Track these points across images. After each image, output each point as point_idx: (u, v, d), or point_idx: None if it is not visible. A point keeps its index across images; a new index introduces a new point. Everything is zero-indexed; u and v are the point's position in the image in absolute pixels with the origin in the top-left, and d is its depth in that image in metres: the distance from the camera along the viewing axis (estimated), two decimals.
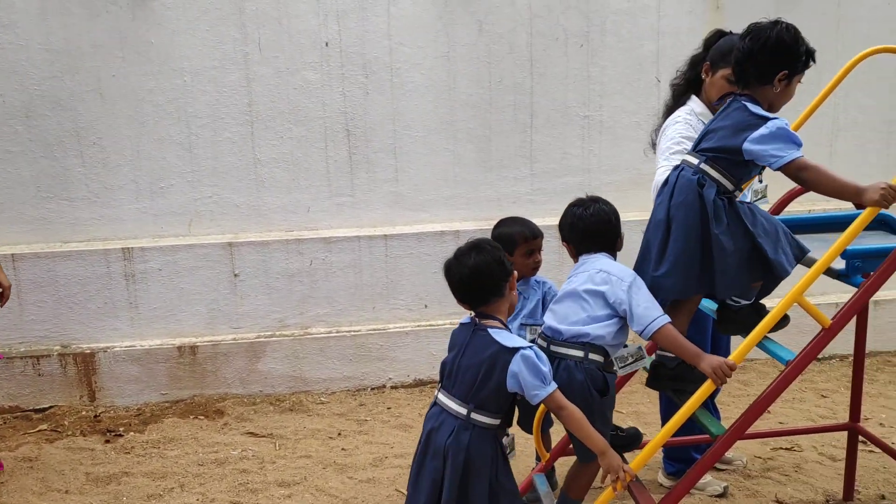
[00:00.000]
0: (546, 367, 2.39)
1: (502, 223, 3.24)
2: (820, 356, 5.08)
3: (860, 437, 3.41)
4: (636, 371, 3.17)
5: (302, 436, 4.26)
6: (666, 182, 2.65)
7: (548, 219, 5.00)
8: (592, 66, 5.01)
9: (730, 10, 5.03)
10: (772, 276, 2.53)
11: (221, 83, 4.69)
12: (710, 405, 3.62)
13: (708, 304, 2.91)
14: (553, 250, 4.88)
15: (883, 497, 3.47)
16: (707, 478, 3.54)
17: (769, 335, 2.53)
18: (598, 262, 2.62)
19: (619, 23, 4.98)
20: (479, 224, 4.88)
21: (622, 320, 2.53)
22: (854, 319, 3.29)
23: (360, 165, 4.89)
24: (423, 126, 4.91)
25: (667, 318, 2.46)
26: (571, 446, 3.12)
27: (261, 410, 4.61)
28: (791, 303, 2.38)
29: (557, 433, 3.44)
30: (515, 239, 3.14)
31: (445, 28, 4.83)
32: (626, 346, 2.67)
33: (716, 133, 2.54)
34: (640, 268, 2.68)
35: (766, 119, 2.44)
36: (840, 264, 2.48)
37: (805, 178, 2.41)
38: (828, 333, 2.40)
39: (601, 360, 2.54)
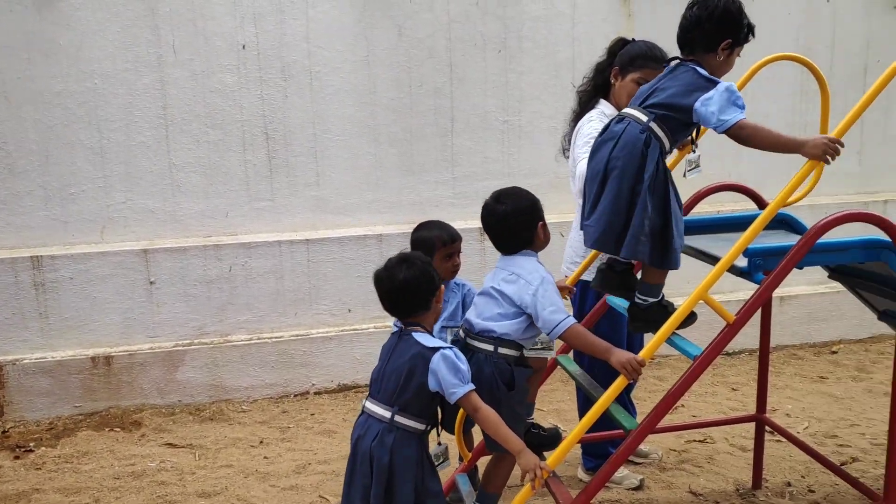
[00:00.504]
0: (465, 367, 2.44)
1: (421, 227, 3.26)
2: (730, 351, 5.38)
3: (767, 428, 3.57)
4: (555, 369, 3.28)
5: (223, 445, 4.18)
6: (606, 130, 2.67)
7: (470, 222, 5.09)
8: (510, 72, 5.10)
9: (640, 19, 5.20)
10: (661, 264, 2.58)
11: (134, 86, 4.58)
12: (626, 400, 3.73)
13: (621, 303, 3.00)
14: (475, 252, 4.96)
15: (789, 484, 3.64)
16: (623, 471, 3.65)
17: (678, 332, 2.62)
18: (512, 262, 2.67)
19: (536, 29, 5.08)
20: (402, 228, 4.90)
21: (521, 314, 2.59)
22: (759, 315, 3.48)
23: (279, 169, 4.85)
24: (345, 130, 4.90)
25: (572, 320, 2.52)
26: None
27: (180, 421, 4.50)
28: (697, 300, 2.48)
29: (480, 433, 3.48)
30: (434, 243, 3.17)
31: (364, 32, 4.83)
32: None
33: (664, 91, 2.58)
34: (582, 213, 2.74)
35: (716, 82, 2.52)
36: (743, 262, 2.59)
37: (744, 136, 2.48)
38: (732, 329, 2.50)
39: (512, 355, 2.59)
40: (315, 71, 4.81)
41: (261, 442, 4.22)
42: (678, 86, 2.55)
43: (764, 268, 2.56)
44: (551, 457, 2.50)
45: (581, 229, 2.77)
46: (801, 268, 2.62)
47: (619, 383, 2.49)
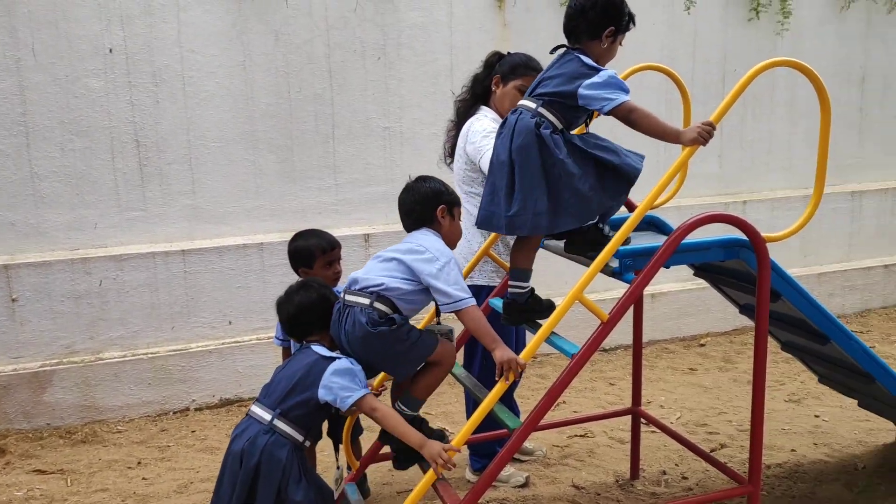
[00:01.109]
0: (360, 374, 2.53)
1: (298, 237, 3.21)
2: (606, 347, 5.60)
3: (643, 420, 3.74)
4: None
5: (97, 468, 3.98)
6: (504, 123, 2.78)
7: (354, 228, 5.08)
8: (391, 79, 5.11)
9: (515, 28, 5.33)
10: (626, 182, 2.68)
11: None
12: (510, 399, 3.81)
13: (497, 303, 3.07)
14: (360, 259, 4.93)
15: (664, 472, 3.82)
16: (510, 470, 3.73)
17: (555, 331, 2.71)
18: (418, 236, 2.70)
19: (414, 37, 5.12)
20: (284, 236, 4.81)
21: (423, 289, 2.62)
22: (631, 313, 3.64)
23: (152, 178, 4.66)
24: (221, 136, 4.77)
25: (473, 301, 2.58)
26: (382, 452, 3.18)
27: (49, 445, 4.24)
28: (573, 300, 2.57)
29: (368, 440, 3.47)
30: (313, 252, 3.13)
31: (240, 36, 4.73)
32: (439, 323, 2.82)
33: (552, 80, 2.70)
34: (488, 209, 2.77)
35: (598, 70, 2.64)
36: (615, 263, 2.70)
37: (633, 119, 2.61)
38: (606, 326, 2.61)
39: (386, 311, 2.57)
40: (188, 76, 4.65)
41: (138, 463, 4.04)
42: (564, 74, 2.67)
43: (634, 268, 2.68)
44: (455, 440, 2.54)
45: (495, 222, 2.78)
46: (667, 267, 2.76)
47: (501, 385, 2.55)
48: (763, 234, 2.74)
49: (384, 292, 2.59)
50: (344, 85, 5.00)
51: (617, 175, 2.68)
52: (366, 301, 2.58)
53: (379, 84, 5.09)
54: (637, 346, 3.64)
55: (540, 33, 5.34)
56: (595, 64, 2.68)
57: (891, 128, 6.52)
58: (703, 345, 5.77)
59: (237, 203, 4.86)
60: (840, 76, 6.27)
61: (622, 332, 5.61)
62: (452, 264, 2.62)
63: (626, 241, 2.74)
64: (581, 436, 4.30)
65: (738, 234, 2.77)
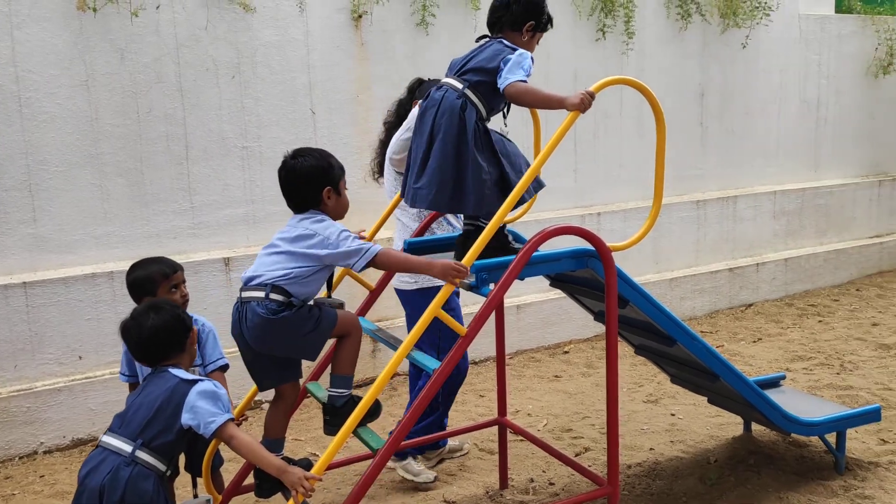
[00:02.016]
0: (224, 399, 2.47)
1: (136, 267, 3.04)
2: (476, 360, 5.68)
3: (510, 430, 3.81)
4: (307, 397, 3.24)
5: None
6: (428, 97, 2.91)
7: (213, 252, 4.91)
8: (247, 98, 5.00)
9: (372, 47, 5.34)
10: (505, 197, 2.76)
11: None
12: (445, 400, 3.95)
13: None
14: (219, 284, 4.77)
15: (532, 480, 3.90)
16: (420, 466, 3.94)
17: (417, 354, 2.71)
18: (305, 220, 2.69)
19: (270, 55, 5.04)
20: None
21: (320, 269, 2.64)
22: (494, 325, 3.71)
23: None
24: (64, 160, 4.50)
25: (379, 247, 2.64)
26: (245, 483, 3.07)
27: None
28: (432, 315, 2.58)
29: (230, 472, 3.35)
30: (155, 279, 2.98)
31: (82, 55, 4.48)
32: (329, 296, 2.83)
33: (475, 58, 2.86)
34: (405, 180, 2.96)
35: (515, 49, 2.83)
36: (471, 278, 2.74)
37: (518, 94, 2.75)
38: (465, 341, 2.64)
39: (282, 300, 2.58)
40: (25, 97, 4.37)
41: None
42: (487, 52, 2.84)
43: (489, 281, 2.74)
44: (315, 468, 2.51)
45: (405, 193, 2.96)
46: (522, 279, 2.83)
47: (361, 408, 2.53)
48: (608, 244, 2.87)
49: (278, 282, 2.59)
50: (197, 104, 4.84)
51: (506, 189, 2.80)
52: (261, 294, 2.58)
53: (235, 103, 4.97)
54: (500, 357, 3.71)
55: (396, 52, 5.39)
56: (513, 45, 2.87)
57: (729, 140, 7.00)
58: (567, 352, 5.96)
59: (84, 230, 4.59)
60: (681, 92, 6.68)
61: (491, 344, 5.71)
62: (339, 228, 2.64)
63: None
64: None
65: (587, 244, 2.89)
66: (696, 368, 3.57)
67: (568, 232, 2.79)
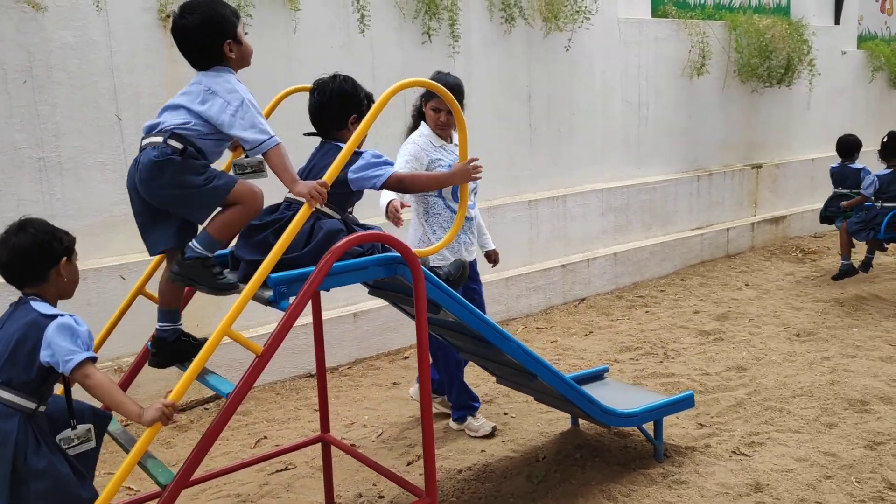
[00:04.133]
0: (85, 335, 2.34)
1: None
2: (313, 372, 5.49)
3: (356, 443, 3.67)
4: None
5: None
6: (276, 209, 2.85)
7: None
8: (42, 104, 4.58)
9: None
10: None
11: None
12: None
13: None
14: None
15: (360, 495, 3.79)
16: (481, 420, 4.41)
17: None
18: (206, 78, 2.61)
19: (67, 58, 4.64)
20: None
21: (220, 133, 2.60)
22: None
23: None
24: None
25: (276, 141, 2.59)
26: None
27: None
28: (221, 336, 2.41)
29: None
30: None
31: None
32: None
33: (319, 173, 2.80)
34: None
35: (360, 153, 2.85)
36: (269, 292, 2.59)
37: (410, 184, 2.97)
38: (261, 360, 2.48)
39: (180, 147, 2.52)
40: None
41: None
42: (329, 164, 2.71)
43: (289, 295, 2.59)
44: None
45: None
46: (327, 290, 2.71)
47: (149, 434, 2.32)
48: (414, 250, 2.80)
49: (178, 129, 2.52)
50: None
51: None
52: (159, 139, 2.50)
53: (27, 110, 4.54)
54: (320, 372, 3.57)
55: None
56: (356, 150, 2.85)
57: (557, 141, 7.19)
58: (406, 357, 5.89)
59: None
60: (510, 94, 6.79)
61: (330, 355, 5.55)
62: (247, 105, 2.56)
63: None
64: (281, 470, 4.14)
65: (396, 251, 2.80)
66: (516, 368, 3.58)
67: (370, 239, 2.70)
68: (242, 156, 2.73)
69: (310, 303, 3.06)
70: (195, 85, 2.63)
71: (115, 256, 4.83)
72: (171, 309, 2.72)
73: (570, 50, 7.07)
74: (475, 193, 4.36)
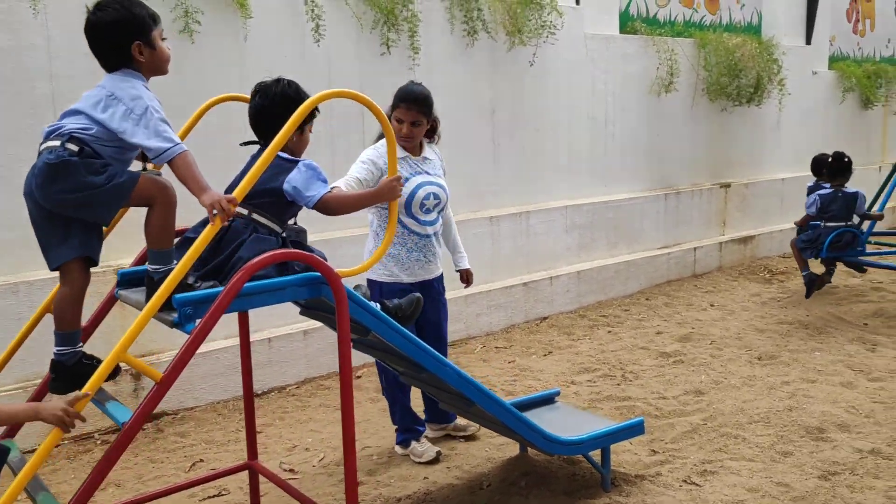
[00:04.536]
0: None
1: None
2: (258, 391, 5.31)
3: (283, 466, 3.50)
4: None
5: None
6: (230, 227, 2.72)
7: None
8: None
9: None
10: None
11: None
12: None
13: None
14: None
15: None
16: (425, 445, 4.26)
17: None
18: (111, 83, 2.52)
19: (2, 62, 4.46)
20: None
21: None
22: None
23: None
24: None
25: (182, 148, 2.47)
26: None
27: None
28: (115, 361, 2.24)
29: None
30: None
31: None
32: (144, 169, 2.57)
33: (259, 182, 2.65)
34: None
35: (297, 162, 2.77)
36: (174, 314, 2.42)
37: (336, 208, 2.80)
38: (161, 388, 2.31)
39: (77, 150, 2.41)
40: None
41: None
42: (266, 171, 2.61)
43: (196, 317, 2.43)
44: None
45: None
46: (241, 311, 2.55)
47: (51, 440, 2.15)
48: (338, 270, 2.64)
49: (77, 133, 2.40)
50: None
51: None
52: (56, 143, 2.42)
53: None
54: (247, 395, 3.39)
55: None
56: (292, 157, 2.83)
57: (521, 157, 7.07)
58: (359, 377, 5.71)
59: None
60: (473, 109, 6.66)
61: (274, 373, 5.37)
62: (151, 112, 2.45)
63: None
64: (215, 496, 3.95)
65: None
66: (454, 394, 3.42)
67: (288, 258, 2.54)
68: (142, 168, 2.64)
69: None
70: (99, 88, 2.52)
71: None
72: (70, 332, 2.54)
73: (535, 65, 6.96)
74: (439, 210, 4.19)
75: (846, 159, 6.77)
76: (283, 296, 2.64)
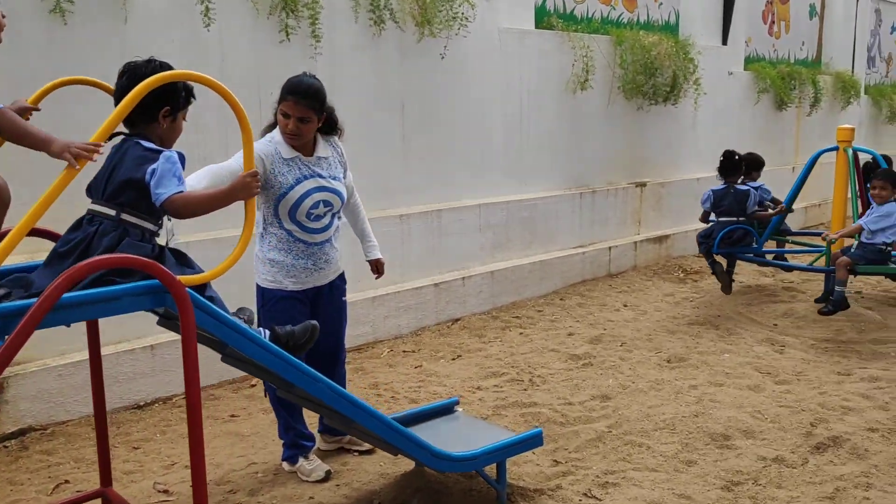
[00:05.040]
0: None
1: None
2: (141, 403, 4.92)
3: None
4: None
5: None
6: (78, 225, 2.58)
7: None
8: None
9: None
10: None
11: None
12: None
13: None
14: None
15: None
16: (315, 462, 3.95)
17: None
18: None
19: None
20: None
21: None
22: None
23: None
24: None
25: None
26: None
27: None
28: None
29: None
30: None
31: None
32: None
33: (117, 171, 2.57)
34: None
35: (160, 152, 2.58)
36: None
37: (180, 209, 2.53)
38: None
39: None
40: None
41: None
42: (127, 161, 2.55)
43: (5, 333, 2.08)
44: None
45: None
46: (67, 325, 2.22)
47: None
48: (182, 277, 2.33)
49: None
50: None
51: None
52: None
53: None
54: (99, 415, 3.04)
55: (24, 42, 4.52)
56: (159, 147, 2.63)
57: (432, 153, 6.82)
58: (253, 385, 5.37)
59: None
60: (381, 103, 6.38)
61: (160, 382, 4.99)
62: None
63: None
64: None
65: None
66: (333, 410, 3.14)
67: (114, 264, 2.22)
68: None
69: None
70: None
71: None
72: None
73: (447, 58, 6.72)
74: (333, 214, 3.84)
75: (736, 157, 6.94)
76: (118, 307, 2.31)
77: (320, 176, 3.76)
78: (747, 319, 6.75)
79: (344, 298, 4.12)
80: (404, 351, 6.03)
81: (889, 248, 6.07)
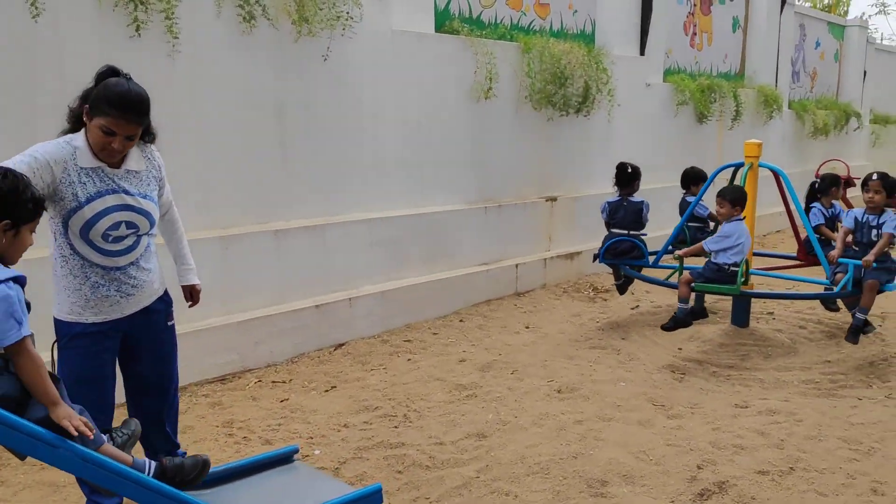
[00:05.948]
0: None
1: None
2: None
3: None
4: None
5: None
6: None
7: None
8: None
9: None
10: None
11: None
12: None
13: None
14: None
15: None
16: None
17: None
18: None
19: None
20: None
21: None
22: None
23: None
24: None
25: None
26: None
27: None
28: None
29: None
30: None
31: None
32: None
33: None
34: None
35: None
36: None
37: (22, 365, 2.34)
38: None
39: None
40: None
41: None
42: None
43: None
44: None
45: None
46: None
47: None
48: None
49: None
50: None
51: None
52: None
53: None
54: None
55: None
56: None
57: (317, 163, 6.29)
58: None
59: None
60: (256, 107, 5.83)
61: None
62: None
63: None
64: None
65: None
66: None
67: None
68: None
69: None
70: None
71: None
72: None
73: (332, 60, 6.20)
74: (140, 235, 3.22)
75: (629, 169, 6.75)
76: None
77: (126, 192, 3.16)
78: (651, 343, 6.38)
79: (170, 323, 3.52)
80: (273, 381, 5.46)
81: (730, 268, 5.75)
